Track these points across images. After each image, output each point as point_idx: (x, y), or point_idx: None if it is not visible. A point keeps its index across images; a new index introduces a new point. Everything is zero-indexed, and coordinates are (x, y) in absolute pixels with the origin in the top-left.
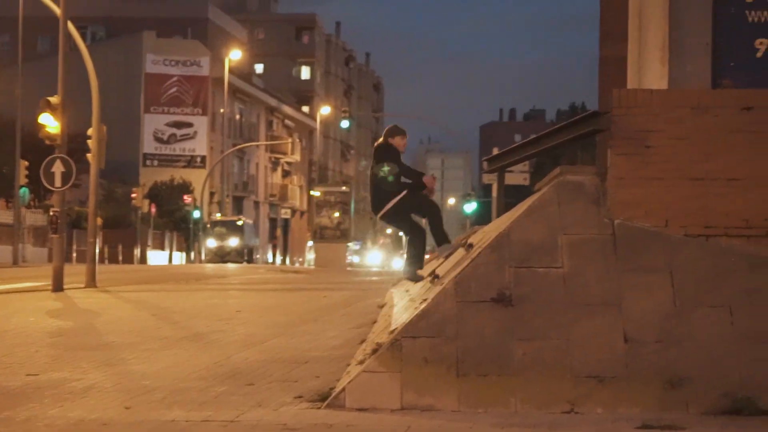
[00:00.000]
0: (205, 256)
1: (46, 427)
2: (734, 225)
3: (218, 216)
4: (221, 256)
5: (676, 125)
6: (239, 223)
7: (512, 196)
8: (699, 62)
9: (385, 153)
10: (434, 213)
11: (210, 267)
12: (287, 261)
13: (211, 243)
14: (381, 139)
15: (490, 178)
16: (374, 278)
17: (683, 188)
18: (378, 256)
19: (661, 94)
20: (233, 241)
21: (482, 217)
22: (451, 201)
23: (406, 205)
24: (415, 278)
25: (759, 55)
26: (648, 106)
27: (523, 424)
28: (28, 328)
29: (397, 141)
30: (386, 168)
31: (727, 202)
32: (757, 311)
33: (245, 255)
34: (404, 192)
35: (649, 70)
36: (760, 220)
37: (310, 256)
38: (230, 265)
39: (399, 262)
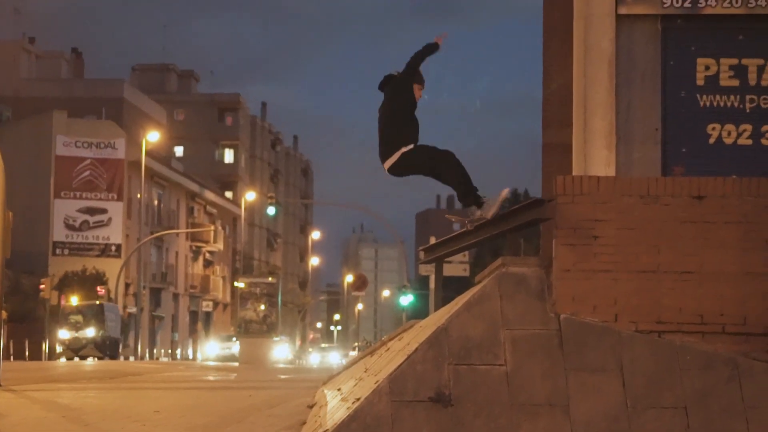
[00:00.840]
0: (59, 349)
1: None
2: (688, 321)
3: (74, 302)
4: (75, 349)
5: (624, 214)
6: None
7: (451, 288)
8: (648, 148)
9: (405, 99)
10: (451, 161)
11: (121, 364)
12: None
13: (64, 334)
14: (404, 74)
15: (427, 269)
16: (304, 375)
17: (633, 281)
18: (317, 357)
19: (608, 181)
20: (90, 332)
21: (419, 311)
22: (386, 293)
23: (413, 157)
24: (489, 208)
25: (711, 141)
26: (594, 194)
27: None
28: None
29: (416, 88)
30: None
31: (679, 296)
32: (712, 415)
33: (107, 348)
34: (410, 146)
35: (596, 156)
36: (714, 316)
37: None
38: (98, 361)
39: (335, 357)
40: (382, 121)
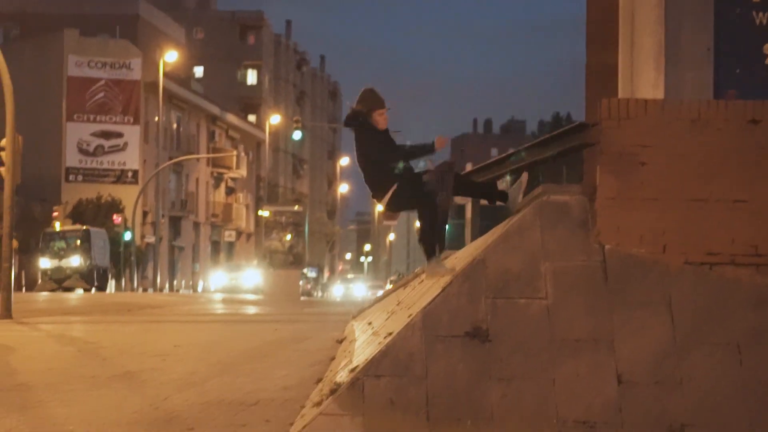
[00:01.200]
0: (40, 280)
1: None
2: (741, 252)
3: (56, 227)
4: (58, 280)
5: (673, 140)
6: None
7: (488, 218)
8: (700, 70)
9: (368, 140)
10: (427, 212)
11: (141, 296)
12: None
13: (45, 263)
14: (358, 107)
15: (463, 198)
16: (332, 309)
17: (682, 210)
18: (341, 289)
19: (657, 104)
20: (75, 260)
21: (454, 242)
22: (419, 223)
23: (401, 197)
24: (434, 270)
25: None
26: (641, 118)
27: None
28: None
29: (376, 117)
30: (401, 165)
31: (732, 226)
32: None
33: (94, 279)
34: (395, 185)
35: (643, 78)
36: None
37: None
38: (85, 293)
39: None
40: (360, 166)
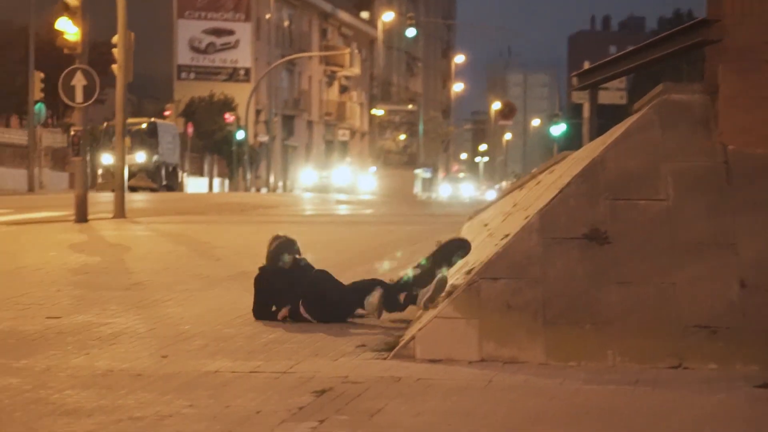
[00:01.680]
0: (100, 179)
1: (70, 378)
2: None
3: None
4: None
5: None
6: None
7: (606, 117)
8: None
9: None
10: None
11: (251, 196)
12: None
13: (106, 159)
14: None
15: (580, 97)
16: (447, 210)
17: None
18: (448, 188)
19: None
20: (140, 156)
21: (571, 142)
22: (536, 122)
23: None
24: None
25: None
26: (767, 14)
27: (622, 381)
28: (47, 265)
29: None
30: None
31: None
32: None
33: (162, 177)
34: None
35: None
36: None
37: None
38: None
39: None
40: None
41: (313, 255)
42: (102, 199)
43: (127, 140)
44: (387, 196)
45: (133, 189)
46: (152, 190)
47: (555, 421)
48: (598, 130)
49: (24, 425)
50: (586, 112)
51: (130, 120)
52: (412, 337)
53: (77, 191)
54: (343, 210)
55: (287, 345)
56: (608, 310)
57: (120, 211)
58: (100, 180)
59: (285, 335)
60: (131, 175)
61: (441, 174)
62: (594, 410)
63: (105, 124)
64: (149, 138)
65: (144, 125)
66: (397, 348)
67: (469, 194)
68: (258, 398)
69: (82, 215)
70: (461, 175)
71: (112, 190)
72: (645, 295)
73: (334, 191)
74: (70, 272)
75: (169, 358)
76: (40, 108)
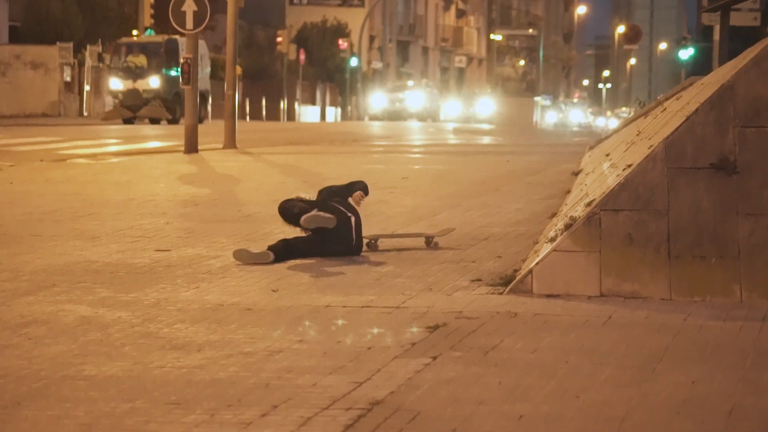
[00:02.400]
0: (107, 107)
1: (179, 312)
2: None
3: (133, 35)
4: (132, 107)
5: None
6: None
7: (738, 40)
8: None
9: None
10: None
11: (366, 125)
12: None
13: (116, 84)
14: None
15: (710, 19)
16: (567, 139)
17: None
18: (578, 114)
19: None
20: (154, 81)
21: (700, 66)
22: (662, 46)
23: None
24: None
25: None
26: None
27: (751, 317)
28: (156, 197)
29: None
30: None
31: None
32: None
33: (179, 108)
34: None
35: None
36: None
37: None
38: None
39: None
40: None
41: (428, 185)
42: (211, 130)
43: (142, 59)
44: (505, 125)
45: (153, 120)
46: (170, 122)
47: (679, 358)
48: (729, 54)
49: (133, 360)
50: (716, 34)
51: (145, 37)
52: (529, 271)
53: (187, 121)
54: (459, 139)
55: (400, 279)
56: (736, 244)
57: (230, 141)
58: (106, 108)
59: (397, 269)
60: (143, 103)
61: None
62: (720, 347)
63: (116, 42)
64: (168, 59)
65: (162, 43)
66: (513, 282)
67: (577, 120)
68: (370, 334)
69: (191, 146)
70: (575, 100)
71: (126, 120)
72: None
73: (407, 117)
74: (179, 204)
75: (281, 292)
76: (149, 35)
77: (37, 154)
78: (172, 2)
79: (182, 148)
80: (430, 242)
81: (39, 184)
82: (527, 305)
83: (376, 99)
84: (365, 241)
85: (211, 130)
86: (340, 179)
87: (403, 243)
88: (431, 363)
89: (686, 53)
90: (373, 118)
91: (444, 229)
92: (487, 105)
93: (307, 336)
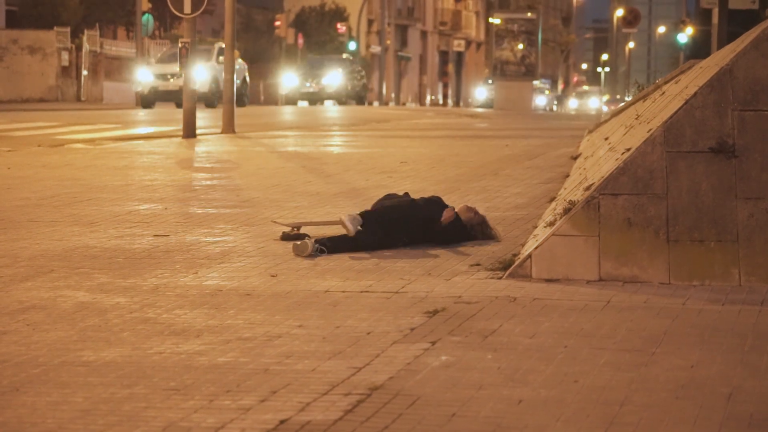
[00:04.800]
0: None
1: (178, 297)
2: None
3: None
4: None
5: None
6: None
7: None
8: None
9: None
10: None
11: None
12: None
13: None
14: None
15: (709, 2)
16: (566, 123)
17: None
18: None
19: None
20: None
21: (699, 50)
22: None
23: None
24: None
25: None
26: None
27: (749, 301)
28: (155, 181)
29: None
30: None
31: None
32: None
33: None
34: None
35: None
36: None
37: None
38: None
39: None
40: None
41: (427, 170)
42: (210, 114)
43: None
44: (504, 109)
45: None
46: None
47: (678, 342)
48: (727, 38)
49: (132, 345)
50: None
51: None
52: (528, 256)
53: (185, 105)
54: (459, 124)
55: (399, 264)
56: (735, 227)
57: (229, 126)
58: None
59: (397, 254)
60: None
61: (560, 85)
62: (718, 331)
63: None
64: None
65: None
66: (512, 267)
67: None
68: (369, 319)
69: (190, 131)
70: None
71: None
72: None
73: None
74: (177, 189)
75: (280, 277)
76: (147, 19)
77: (35, 139)
78: None
79: (180, 133)
80: None
81: (36, 170)
82: (526, 290)
83: (479, 92)
84: (286, 229)
85: (210, 114)
86: (339, 163)
87: (326, 231)
88: (430, 348)
89: (685, 37)
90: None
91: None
92: (481, 91)
93: (306, 321)
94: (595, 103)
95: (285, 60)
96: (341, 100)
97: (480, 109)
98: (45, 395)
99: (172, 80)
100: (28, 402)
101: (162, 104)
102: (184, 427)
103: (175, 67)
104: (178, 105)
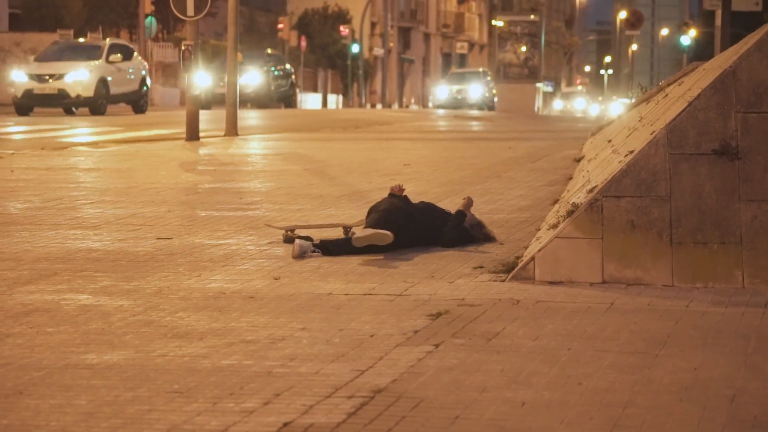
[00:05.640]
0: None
1: (182, 300)
2: None
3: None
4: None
5: None
6: None
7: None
8: None
9: None
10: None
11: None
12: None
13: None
14: None
15: (712, 4)
16: (570, 125)
17: None
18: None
19: None
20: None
21: (702, 51)
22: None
23: None
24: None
25: None
26: None
27: (753, 303)
28: (158, 184)
29: None
30: None
31: None
32: None
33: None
34: None
35: None
36: None
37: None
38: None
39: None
40: None
41: (430, 172)
42: (213, 117)
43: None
44: (507, 111)
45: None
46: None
47: (681, 344)
48: (731, 40)
49: (135, 348)
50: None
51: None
52: (531, 258)
53: (188, 108)
54: (462, 126)
55: (402, 267)
56: (738, 230)
57: (232, 128)
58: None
59: (400, 257)
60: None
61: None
62: (722, 333)
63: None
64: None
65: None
66: (515, 269)
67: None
68: (372, 321)
69: (193, 133)
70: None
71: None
72: None
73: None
74: (180, 192)
75: (283, 280)
76: (150, 21)
77: (38, 142)
78: None
79: (184, 136)
80: (347, 232)
81: (40, 173)
82: (529, 292)
83: (441, 90)
84: (282, 232)
85: (212, 117)
86: (342, 166)
87: (323, 233)
88: (433, 351)
89: (688, 39)
90: (437, 107)
91: (361, 220)
92: (442, 90)
93: (309, 324)
94: (581, 104)
95: (288, 63)
96: (261, 102)
97: (441, 111)
98: (48, 398)
99: (50, 82)
100: (32, 405)
101: (40, 110)
102: (187, 429)
103: (56, 67)
104: (67, 111)
